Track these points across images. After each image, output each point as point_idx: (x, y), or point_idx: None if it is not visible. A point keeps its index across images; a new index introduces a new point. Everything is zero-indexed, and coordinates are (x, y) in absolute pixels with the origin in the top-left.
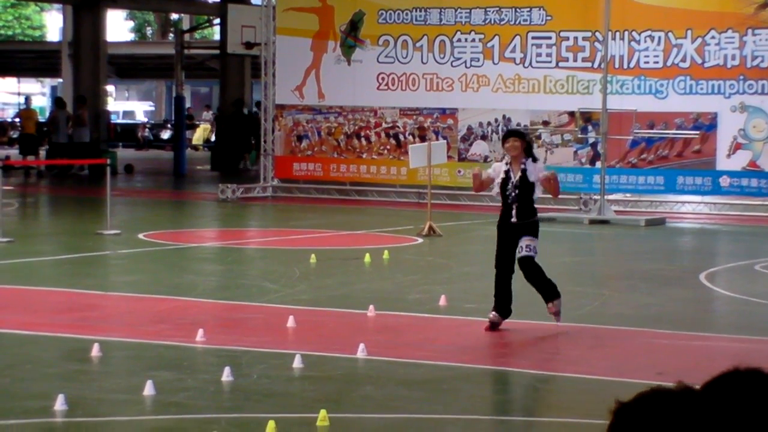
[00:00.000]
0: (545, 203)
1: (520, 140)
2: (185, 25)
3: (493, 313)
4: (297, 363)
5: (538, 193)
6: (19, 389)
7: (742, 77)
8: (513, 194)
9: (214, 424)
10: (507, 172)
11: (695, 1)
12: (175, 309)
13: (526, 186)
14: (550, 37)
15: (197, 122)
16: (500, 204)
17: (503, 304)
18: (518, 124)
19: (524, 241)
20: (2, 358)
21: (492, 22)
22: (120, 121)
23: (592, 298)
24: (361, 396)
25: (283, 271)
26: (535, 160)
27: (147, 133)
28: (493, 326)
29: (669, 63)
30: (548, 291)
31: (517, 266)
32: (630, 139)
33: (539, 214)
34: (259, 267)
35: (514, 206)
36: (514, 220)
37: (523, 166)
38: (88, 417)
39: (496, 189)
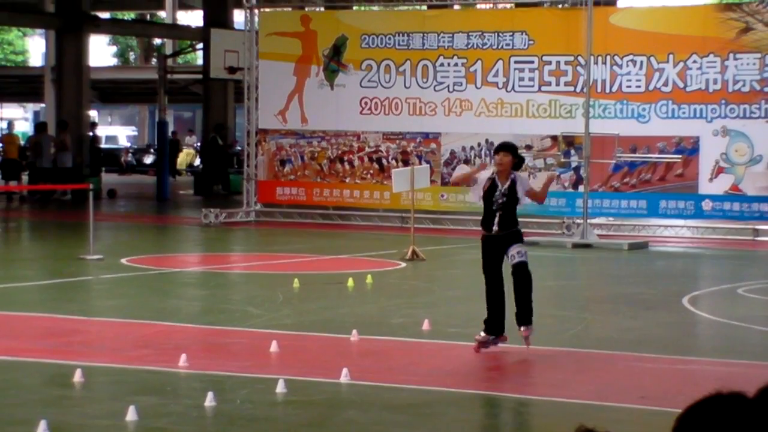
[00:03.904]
0: (528, 228)
1: (510, 155)
2: (168, 50)
3: (482, 333)
4: (280, 388)
5: (520, 206)
6: (1, 415)
7: (723, 101)
8: (500, 201)
9: None
10: (493, 180)
11: (677, 25)
12: (158, 334)
13: (513, 196)
14: (532, 62)
15: (182, 146)
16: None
17: (496, 321)
18: None
19: (514, 249)
20: None
21: (475, 46)
22: (103, 145)
23: (575, 322)
24: (345, 420)
25: (267, 296)
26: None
27: (130, 157)
28: (482, 345)
29: (651, 87)
30: (526, 312)
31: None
32: (613, 163)
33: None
34: (242, 291)
35: (497, 214)
36: (495, 228)
37: (512, 177)
38: None
39: (479, 194)
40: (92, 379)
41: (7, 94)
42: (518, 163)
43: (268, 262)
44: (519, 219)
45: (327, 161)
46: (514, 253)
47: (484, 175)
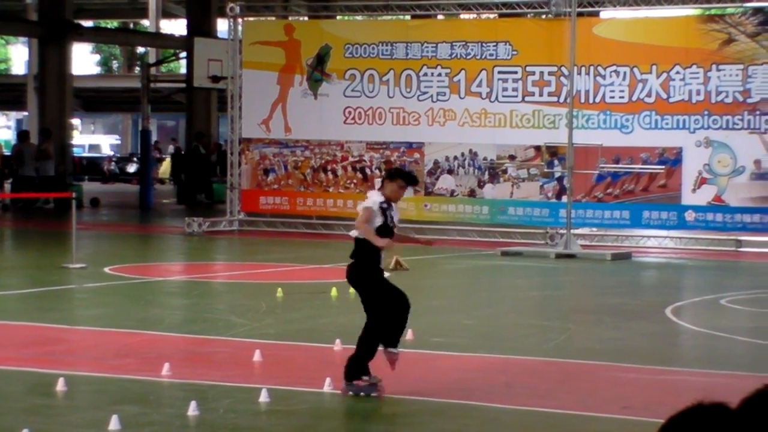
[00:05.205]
0: (512, 237)
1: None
2: (151, 59)
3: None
4: (263, 397)
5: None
6: None
7: (706, 112)
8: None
9: None
10: (385, 209)
11: (660, 36)
12: (140, 343)
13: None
14: (516, 72)
15: (162, 155)
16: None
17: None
18: (485, 159)
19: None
20: None
21: (458, 56)
22: (86, 154)
23: (559, 333)
24: (328, 430)
25: (250, 305)
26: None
27: (113, 166)
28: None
29: (634, 98)
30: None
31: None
32: (596, 174)
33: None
34: (225, 301)
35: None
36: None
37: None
38: None
39: (379, 222)
40: (75, 388)
41: None
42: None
43: (252, 271)
44: (504, 229)
45: (310, 170)
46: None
47: (375, 198)
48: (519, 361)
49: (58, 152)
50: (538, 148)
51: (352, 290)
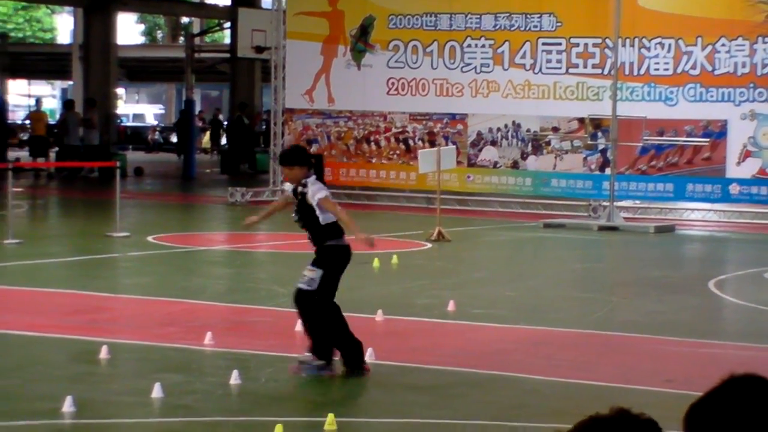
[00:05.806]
0: (554, 209)
1: (296, 167)
2: (196, 29)
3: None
4: None
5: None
6: (27, 391)
7: (752, 85)
8: (296, 218)
9: (222, 427)
10: (294, 192)
11: (705, 8)
12: (183, 312)
13: (306, 209)
14: (560, 44)
15: (207, 126)
16: None
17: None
18: (528, 130)
19: (304, 270)
20: (11, 360)
21: (502, 27)
22: (130, 123)
23: (601, 305)
24: (369, 400)
25: (292, 275)
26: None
27: (157, 136)
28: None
29: (679, 70)
30: (319, 344)
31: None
32: (640, 146)
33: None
34: (268, 270)
35: (306, 231)
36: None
37: (302, 188)
38: (96, 419)
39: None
40: (118, 355)
41: (35, 72)
42: (317, 164)
43: (294, 241)
44: (546, 201)
45: (353, 141)
46: (302, 274)
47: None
48: (561, 334)
49: (103, 121)
50: (581, 120)
51: (394, 260)
